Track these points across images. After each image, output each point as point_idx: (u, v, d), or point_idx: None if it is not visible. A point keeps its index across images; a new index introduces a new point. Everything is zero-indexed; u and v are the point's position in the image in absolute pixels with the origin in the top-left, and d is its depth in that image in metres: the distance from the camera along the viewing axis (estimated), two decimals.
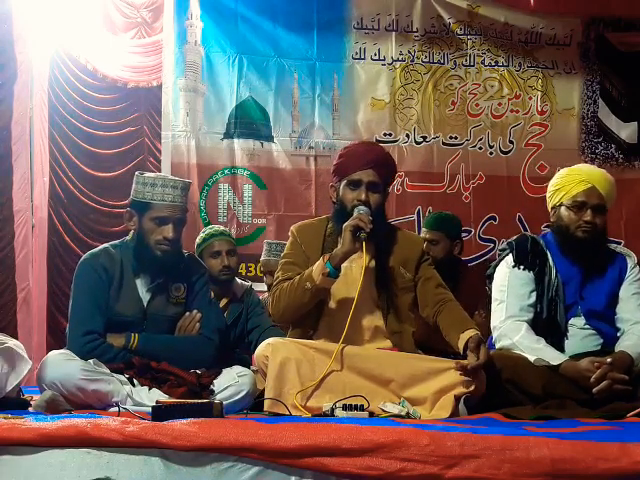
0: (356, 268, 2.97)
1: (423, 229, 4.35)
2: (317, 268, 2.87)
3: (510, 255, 3.10)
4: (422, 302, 3.05)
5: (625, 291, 3.06)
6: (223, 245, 3.97)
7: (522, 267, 3.06)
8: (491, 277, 3.18)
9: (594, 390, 2.73)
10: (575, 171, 3.11)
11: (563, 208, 3.06)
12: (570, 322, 2.99)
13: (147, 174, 3.05)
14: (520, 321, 2.97)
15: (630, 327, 2.98)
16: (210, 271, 3.84)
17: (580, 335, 2.99)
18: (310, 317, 3.00)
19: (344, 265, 2.92)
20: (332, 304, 3.00)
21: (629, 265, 3.10)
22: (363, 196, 2.97)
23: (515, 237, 3.21)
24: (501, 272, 3.11)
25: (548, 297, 3.00)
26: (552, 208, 3.13)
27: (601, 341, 2.99)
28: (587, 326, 3.00)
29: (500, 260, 3.16)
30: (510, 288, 3.04)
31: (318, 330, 2.99)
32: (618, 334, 3.01)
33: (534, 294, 3.03)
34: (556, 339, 2.94)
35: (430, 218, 4.46)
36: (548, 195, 3.16)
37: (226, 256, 3.93)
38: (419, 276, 3.07)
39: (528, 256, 3.06)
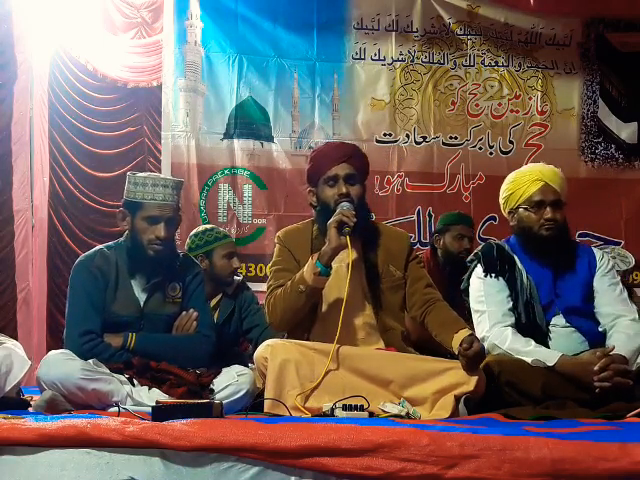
0: (345, 267, 2.94)
1: (456, 226, 4.40)
2: (308, 268, 2.85)
3: (479, 266, 3.11)
4: (410, 302, 3.03)
5: (600, 283, 3.05)
6: (234, 247, 4.03)
7: (492, 275, 3.06)
8: (466, 291, 3.18)
9: (596, 378, 2.70)
10: (526, 172, 3.13)
11: (521, 210, 3.08)
12: (551, 322, 2.98)
13: (139, 174, 3.06)
14: (505, 326, 2.96)
15: (613, 322, 2.97)
16: (219, 270, 3.87)
17: (563, 335, 2.98)
18: (304, 321, 2.98)
19: (334, 265, 2.90)
20: (324, 305, 2.99)
21: (597, 256, 3.11)
22: (343, 189, 2.94)
23: (480, 247, 3.23)
24: (475, 284, 3.11)
25: (523, 300, 2.99)
26: (509, 212, 3.15)
27: (584, 339, 2.98)
28: (568, 324, 2.99)
29: (470, 273, 3.16)
30: (487, 297, 3.04)
31: (312, 333, 2.98)
32: (600, 329, 2.99)
33: (511, 299, 3.02)
34: (540, 342, 2.92)
35: (461, 216, 4.49)
36: (502, 201, 3.18)
37: (237, 259, 3.96)
38: (408, 275, 3.05)
39: (496, 263, 3.07)
